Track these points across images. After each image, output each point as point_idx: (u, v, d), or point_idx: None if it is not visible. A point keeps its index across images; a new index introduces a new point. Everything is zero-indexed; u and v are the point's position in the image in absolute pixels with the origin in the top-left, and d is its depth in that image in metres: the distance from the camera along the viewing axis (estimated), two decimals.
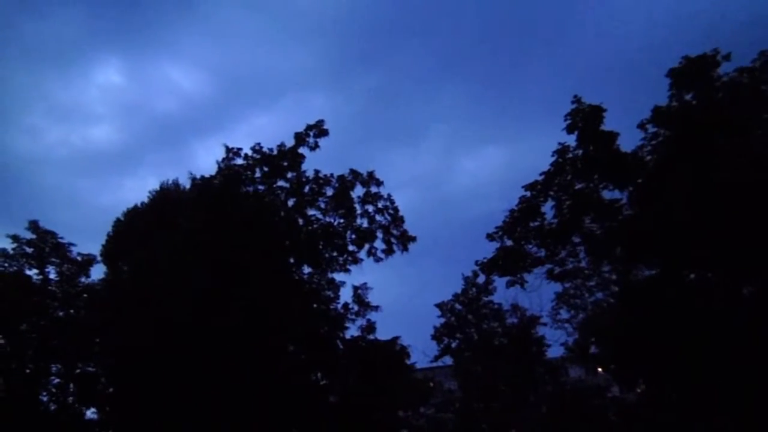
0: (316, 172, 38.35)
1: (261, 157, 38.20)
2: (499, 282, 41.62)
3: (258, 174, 38.32)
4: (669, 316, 27.16)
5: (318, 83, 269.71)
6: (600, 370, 47.12)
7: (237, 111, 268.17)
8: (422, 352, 43.92)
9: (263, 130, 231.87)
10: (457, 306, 47.48)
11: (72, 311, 39.90)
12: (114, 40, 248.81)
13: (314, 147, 37.97)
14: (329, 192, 38.44)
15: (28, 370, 38.59)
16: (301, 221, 38.27)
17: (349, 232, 38.46)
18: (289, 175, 38.30)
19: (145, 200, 41.03)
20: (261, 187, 38.32)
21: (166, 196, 40.61)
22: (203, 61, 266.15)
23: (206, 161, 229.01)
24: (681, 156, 27.35)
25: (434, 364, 46.17)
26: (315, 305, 36.94)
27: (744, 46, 28.57)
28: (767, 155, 25.81)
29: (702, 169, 26.53)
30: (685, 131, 27.67)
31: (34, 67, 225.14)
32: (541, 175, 30.73)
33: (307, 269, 38.20)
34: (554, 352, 44.40)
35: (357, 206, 38.49)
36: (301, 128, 37.88)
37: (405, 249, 38.29)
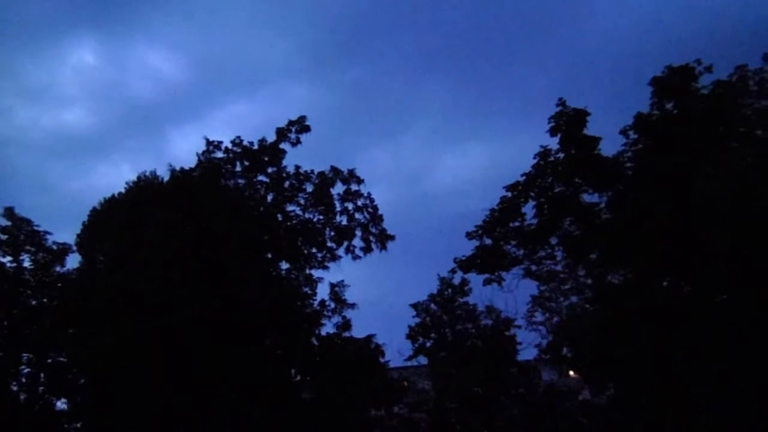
0: (297, 167, 38.56)
1: (242, 150, 38.23)
2: (475, 284, 41.96)
3: (238, 168, 38.38)
4: (641, 320, 27.58)
5: (298, 73, 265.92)
6: (572, 373, 47.62)
7: (215, 98, 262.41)
8: (397, 351, 43.84)
9: (241, 118, 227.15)
10: (433, 306, 47.58)
11: (45, 300, 39.27)
12: (89, 19, 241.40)
13: (296, 143, 38.15)
14: (309, 188, 38.61)
15: None
16: (280, 217, 38.35)
17: (328, 229, 38.63)
18: (270, 170, 38.40)
19: (122, 189, 40.52)
20: (241, 181, 38.37)
21: (144, 186, 40.13)
22: (181, 45, 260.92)
23: (182, 148, 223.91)
24: (660, 164, 27.78)
25: (409, 364, 46.20)
26: (292, 301, 36.91)
27: (732, 48, 29.12)
28: (743, 167, 26.32)
29: (679, 178, 27.02)
30: (665, 140, 28.13)
31: (4, 44, 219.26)
32: (522, 176, 30.95)
33: (285, 265, 38.32)
34: (529, 354, 44.78)
35: (337, 203, 38.76)
36: (279, 118, 38.65)
37: (383, 247, 38.64)
